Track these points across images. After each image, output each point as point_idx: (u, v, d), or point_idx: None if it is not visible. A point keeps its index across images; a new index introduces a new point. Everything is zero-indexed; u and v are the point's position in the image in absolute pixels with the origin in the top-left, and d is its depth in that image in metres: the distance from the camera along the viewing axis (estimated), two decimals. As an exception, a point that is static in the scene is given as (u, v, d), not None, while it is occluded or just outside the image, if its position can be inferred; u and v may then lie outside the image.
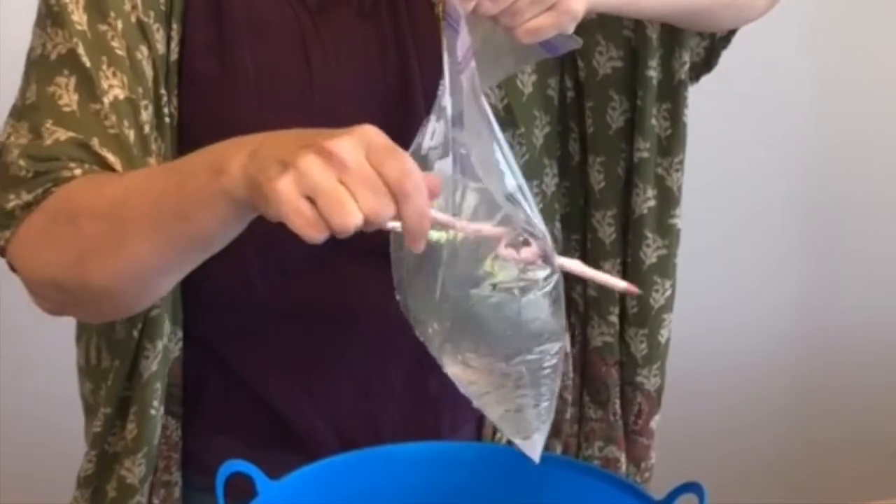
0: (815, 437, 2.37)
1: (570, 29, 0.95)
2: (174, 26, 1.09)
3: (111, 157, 1.04)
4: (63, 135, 1.04)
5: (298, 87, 1.10)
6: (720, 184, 2.13)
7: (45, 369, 2.03)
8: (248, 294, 1.16)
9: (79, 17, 1.07)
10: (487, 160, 0.91)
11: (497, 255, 0.91)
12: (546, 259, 0.91)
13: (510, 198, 0.91)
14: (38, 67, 1.08)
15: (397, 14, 1.12)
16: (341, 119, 1.06)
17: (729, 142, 2.12)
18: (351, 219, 0.84)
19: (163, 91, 1.08)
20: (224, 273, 1.14)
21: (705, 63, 1.22)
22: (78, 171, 1.03)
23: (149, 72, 1.08)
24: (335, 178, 0.84)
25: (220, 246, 0.98)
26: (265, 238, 1.12)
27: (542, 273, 0.91)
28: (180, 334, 1.17)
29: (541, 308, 0.93)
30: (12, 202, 1.04)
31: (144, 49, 1.08)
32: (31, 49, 1.10)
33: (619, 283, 0.97)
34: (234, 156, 0.90)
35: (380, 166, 0.84)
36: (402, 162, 0.84)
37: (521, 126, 1.17)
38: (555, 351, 0.95)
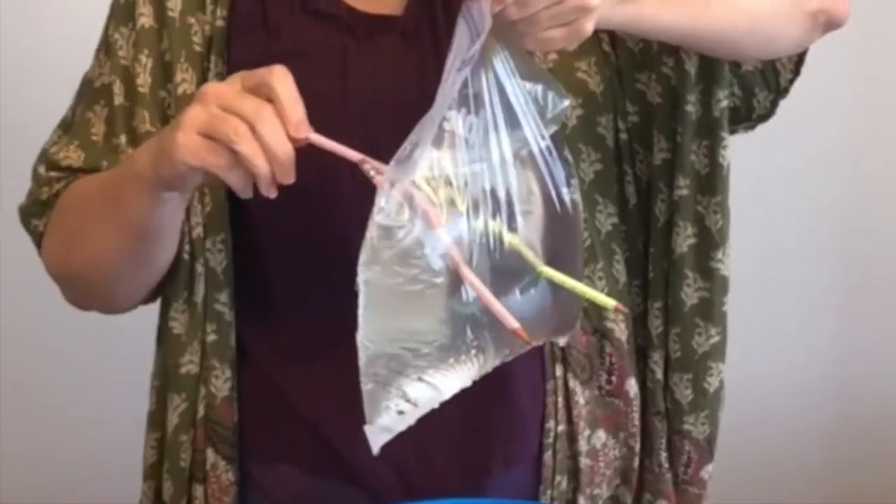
0: (855, 483, 2.31)
1: (574, 47, 1.00)
2: (212, 59, 1.18)
3: None
4: (75, 162, 1.20)
5: (333, 111, 1.13)
6: (753, 222, 2.09)
7: (47, 369, 2.02)
8: (302, 323, 1.20)
9: (125, 53, 1.20)
10: (423, 146, 0.96)
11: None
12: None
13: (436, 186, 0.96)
14: (86, 90, 1.23)
15: (439, 40, 1.15)
16: (376, 143, 1.10)
17: (760, 182, 2.10)
18: (232, 124, 0.96)
19: None
20: (284, 303, 1.20)
21: (767, 115, 1.24)
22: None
23: (170, 109, 1.19)
24: (215, 107, 0.97)
25: (156, 234, 1.11)
26: (316, 265, 1.18)
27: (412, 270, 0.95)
28: (229, 373, 1.21)
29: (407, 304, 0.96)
30: (45, 194, 1.20)
31: (165, 90, 1.19)
32: (88, 69, 1.24)
33: (511, 321, 0.96)
34: (144, 147, 1.05)
35: (252, 90, 0.98)
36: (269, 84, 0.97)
37: None
38: (425, 351, 0.97)
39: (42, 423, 2.10)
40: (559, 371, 1.20)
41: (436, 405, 0.98)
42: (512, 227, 0.98)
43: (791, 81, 1.22)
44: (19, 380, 2.07)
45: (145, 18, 1.19)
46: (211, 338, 1.20)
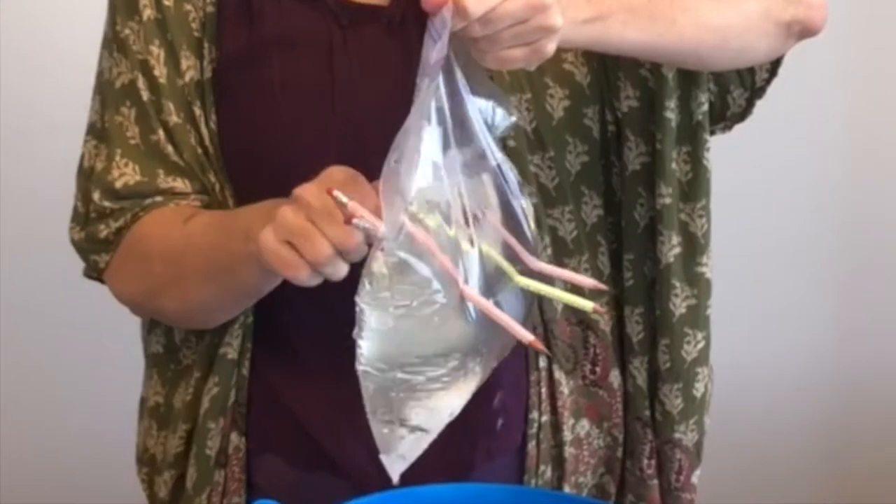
0: (849, 471, 2.32)
1: (534, 66, 0.99)
2: (206, 46, 1.16)
3: (179, 184, 1.17)
4: (131, 178, 1.17)
5: (320, 99, 1.14)
6: (750, 212, 2.09)
7: (47, 368, 2.05)
8: (289, 322, 1.20)
9: (139, 48, 1.17)
10: (410, 166, 0.94)
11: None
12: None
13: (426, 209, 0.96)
14: (108, 91, 1.20)
15: (425, 32, 1.11)
16: (362, 131, 1.12)
17: (756, 172, 2.10)
18: (319, 248, 0.95)
19: (199, 111, 1.17)
20: (269, 300, 1.18)
21: (742, 114, 1.22)
22: (149, 202, 1.18)
23: (190, 97, 1.17)
24: (304, 218, 0.95)
25: (268, 290, 1.10)
26: None
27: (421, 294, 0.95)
28: (249, 354, 1.21)
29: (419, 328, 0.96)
30: (104, 231, 1.18)
31: (181, 77, 1.17)
32: (100, 70, 1.21)
33: (526, 334, 0.97)
34: (259, 221, 1.01)
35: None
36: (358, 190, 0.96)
37: (551, 150, 1.17)
38: (429, 375, 0.97)
39: (42, 422, 2.11)
40: (543, 362, 1.20)
41: (443, 426, 0.99)
42: (486, 240, 0.99)
43: (767, 81, 1.20)
44: (19, 379, 2.08)
45: (149, 10, 1.17)
46: (250, 319, 1.20)
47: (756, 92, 1.21)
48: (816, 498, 2.31)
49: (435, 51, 0.92)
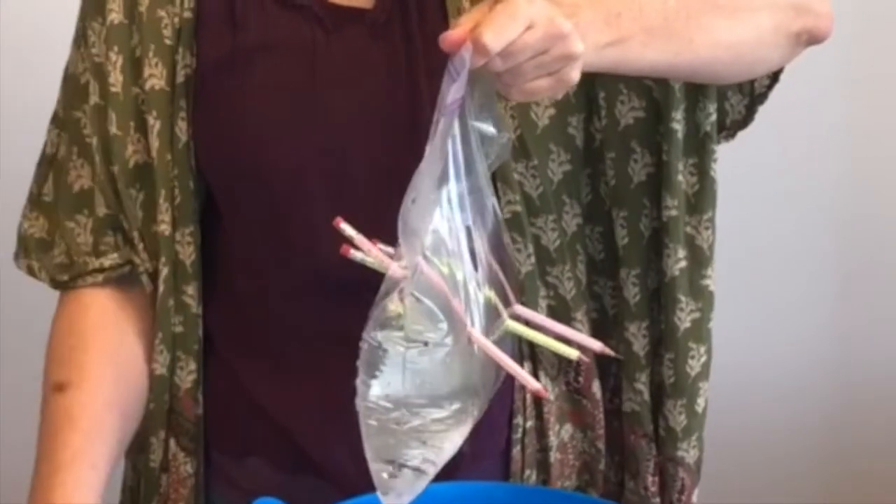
0: (848, 471, 2.32)
1: (560, 96, 0.99)
2: (180, 52, 1.15)
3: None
4: (87, 181, 1.21)
5: (301, 103, 1.14)
6: (748, 207, 2.10)
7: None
8: (268, 324, 1.21)
9: (98, 50, 1.18)
10: (425, 207, 0.93)
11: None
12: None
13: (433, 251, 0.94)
14: (71, 85, 1.21)
15: (409, 35, 1.13)
16: (343, 136, 1.12)
17: (755, 170, 2.10)
18: None
19: (153, 120, 1.16)
20: (249, 298, 1.21)
21: (744, 121, 1.21)
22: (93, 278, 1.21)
23: (143, 105, 1.17)
24: None
25: None
26: (282, 268, 1.14)
27: (436, 335, 0.94)
28: (193, 366, 1.21)
29: (432, 369, 0.95)
30: (24, 234, 1.27)
31: (136, 86, 1.17)
32: (68, 63, 1.22)
33: (533, 382, 0.98)
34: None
35: None
36: None
37: (535, 158, 1.16)
38: (434, 417, 0.96)
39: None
40: (528, 368, 1.19)
41: (440, 465, 0.99)
42: (486, 281, 0.98)
43: (769, 87, 1.19)
44: (19, 379, 2.08)
45: (115, 14, 1.17)
46: (178, 329, 1.21)
47: (756, 98, 1.20)
48: (815, 498, 2.31)
49: (452, 91, 0.91)
